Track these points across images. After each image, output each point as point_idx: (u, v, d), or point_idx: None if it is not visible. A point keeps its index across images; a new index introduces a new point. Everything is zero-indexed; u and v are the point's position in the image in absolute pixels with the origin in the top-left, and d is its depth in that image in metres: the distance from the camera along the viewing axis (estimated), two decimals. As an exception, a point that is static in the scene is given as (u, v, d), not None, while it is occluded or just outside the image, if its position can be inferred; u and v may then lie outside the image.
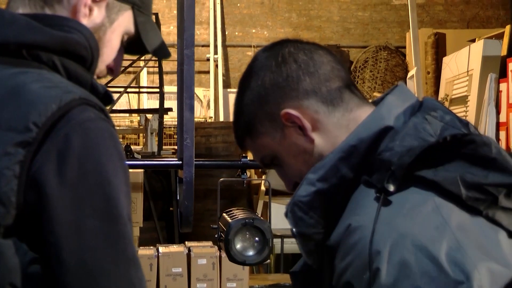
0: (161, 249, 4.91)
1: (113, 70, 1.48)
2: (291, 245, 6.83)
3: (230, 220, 2.44)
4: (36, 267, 1.21)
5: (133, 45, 1.50)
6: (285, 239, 6.92)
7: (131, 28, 1.46)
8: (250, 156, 3.10)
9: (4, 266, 1.20)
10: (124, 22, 1.45)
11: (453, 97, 8.75)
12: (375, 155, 1.37)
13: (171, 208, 6.71)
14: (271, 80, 1.47)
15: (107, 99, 1.39)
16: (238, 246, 2.37)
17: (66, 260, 1.19)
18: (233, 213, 2.52)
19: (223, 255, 4.82)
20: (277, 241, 7.14)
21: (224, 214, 2.54)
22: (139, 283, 1.25)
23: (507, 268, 1.29)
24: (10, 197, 1.20)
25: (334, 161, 1.40)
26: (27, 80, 1.28)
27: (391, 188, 1.33)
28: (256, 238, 2.43)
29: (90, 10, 1.40)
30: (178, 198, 3.30)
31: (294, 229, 1.43)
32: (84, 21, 1.39)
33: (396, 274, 1.27)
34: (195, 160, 3.27)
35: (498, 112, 7.61)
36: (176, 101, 4.23)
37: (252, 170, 8.37)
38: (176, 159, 3.41)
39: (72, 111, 1.24)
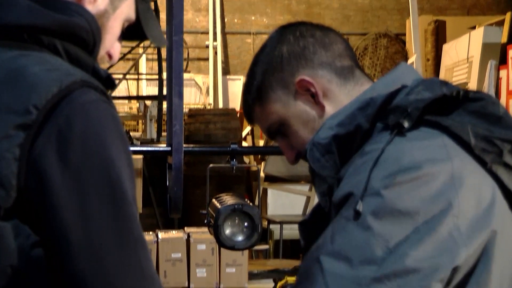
0: (161, 234, 4.94)
1: (112, 56, 1.47)
2: (290, 231, 6.86)
3: (219, 206, 2.47)
4: (39, 250, 1.20)
5: (132, 31, 1.50)
6: (284, 225, 6.96)
7: (132, 15, 1.47)
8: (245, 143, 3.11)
9: (5, 249, 1.19)
10: (126, 9, 1.45)
11: (453, 84, 8.75)
12: (391, 106, 1.44)
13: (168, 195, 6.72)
14: (288, 50, 1.55)
15: (110, 83, 1.37)
16: (228, 231, 2.40)
17: (72, 243, 1.18)
18: (222, 198, 2.55)
19: (222, 240, 4.85)
20: (276, 227, 7.17)
21: (214, 200, 2.57)
22: (147, 263, 1.24)
23: (488, 222, 1.35)
24: (11, 180, 1.19)
25: (352, 110, 1.47)
26: (28, 63, 1.27)
27: (406, 124, 1.39)
28: (245, 224, 2.47)
29: None
30: (167, 184, 3.33)
31: (312, 168, 1.48)
32: (89, 7, 1.38)
33: (382, 184, 1.33)
34: (184, 147, 3.30)
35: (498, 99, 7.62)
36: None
37: (251, 157, 8.39)
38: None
39: (73, 94, 1.23)
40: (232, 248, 2.43)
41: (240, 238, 2.41)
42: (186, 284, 4.84)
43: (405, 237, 1.32)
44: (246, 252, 4.85)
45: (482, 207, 1.37)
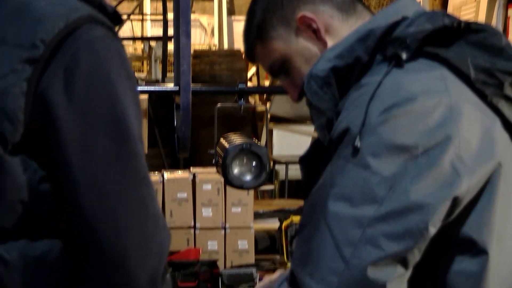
0: (166, 174, 4.95)
1: None
2: (295, 172, 6.87)
3: (227, 146, 2.46)
4: (46, 185, 1.21)
5: None
6: (289, 165, 6.97)
7: None
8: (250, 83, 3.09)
9: (13, 183, 1.19)
10: None
11: (459, 22, 8.67)
12: (390, 37, 1.42)
13: (175, 135, 6.72)
14: None
15: (116, 19, 1.35)
16: (236, 171, 2.41)
17: (77, 178, 1.18)
18: (230, 138, 2.55)
19: (228, 180, 4.87)
20: (281, 168, 7.19)
21: (222, 139, 2.57)
22: (151, 201, 1.23)
23: (492, 153, 1.35)
24: (18, 114, 1.18)
25: (351, 42, 1.45)
26: None
27: (404, 55, 1.38)
28: (254, 163, 2.47)
29: None
30: (175, 124, 3.33)
31: (309, 100, 1.47)
32: None
33: (379, 120, 1.32)
34: (192, 86, 3.29)
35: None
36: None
37: (257, 97, 8.37)
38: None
39: (79, 29, 1.22)
40: (241, 187, 2.43)
41: (248, 177, 2.42)
42: (192, 224, 4.87)
43: (405, 173, 1.31)
44: (251, 192, 4.87)
45: (486, 138, 1.35)
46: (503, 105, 1.39)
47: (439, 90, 1.36)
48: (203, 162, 5.55)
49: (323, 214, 1.34)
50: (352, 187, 1.33)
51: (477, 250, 1.35)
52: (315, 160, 1.54)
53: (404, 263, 1.33)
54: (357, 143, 1.32)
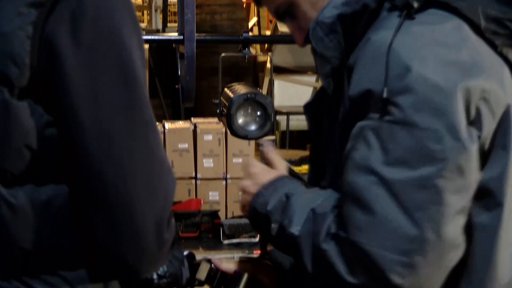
0: (167, 125, 4.95)
1: None
2: (297, 122, 6.87)
3: (231, 95, 2.45)
4: (52, 130, 1.21)
5: None
6: (290, 116, 6.96)
7: None
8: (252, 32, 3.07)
9: (20, 128, 1.20)
10: None
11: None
12: None
13: (176, 86, 6.71)
14: None
15: None
16: (240, 120, 2.39)
17: (83, 122, 1.18)
18: (234, 88, 2.53)
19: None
20: (282, 118, 7.17)
21: (226, 89, 2.55)
22: (157, 145, 1.24)
23: (506, 98, 1.37)
24: (24, 58, 1.18)
25: None
26: None
27: (415, 4, 1.36)
28: (258, 113, 2.45)
29: None
30: (179, 73, 3.31)
31: (314, 48, 1.45)
32: None
33: (411, 79, 1.31)
34: (196, 35, 3.26)
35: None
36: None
37: (258, 47, 8.32)
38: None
39: None
40: (245, 137, 2.42)
41: (253, 127, 2.40)
42: (193, 174, 4.88)
43: (451, 117, 1.31)
44: (252, 142, 4.86)
45: (499, 84, 1.36)
46: None
47: (455, 42, 1.34)
48: (204, 112, 5.53)
49: (380, 183, 1.32)
50: (405, 150, 1.31)
51: (495, 203, 1.35)
52: (319, 108, 1.53)
53: (465, 214, 1.34)
54: (389, 104, 1.32)
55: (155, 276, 1.60)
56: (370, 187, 1.33)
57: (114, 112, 1.20)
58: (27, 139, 1.21)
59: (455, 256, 1.35)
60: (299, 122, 6.80)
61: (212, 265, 1.69)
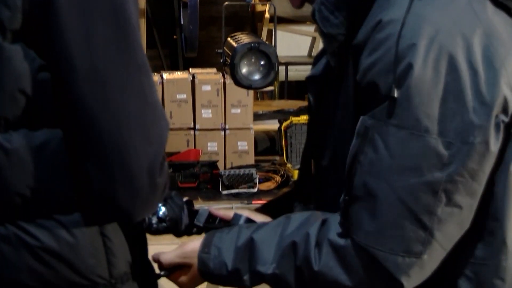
0: (165, 75, 4.92)
1: None
2: (295, 73, 6.84)
3: (235, 45, 2.43)
4: (45, 74, 1.21)
5: None
6: (289, 66, 6.92)
7: None
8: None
9: (13, 72, 1.19)
10: None
11: None
12: None
13: (174, 36, 6.66)
14: None
15: None
16: (244, 70, 2.38)
17: (76, 65, 1.18)
18: (238, 37, 2.50)
19: (228, 81, 4.84)
20: (281, 69, 7.11)
21: (229, 39, 2.53)
22: (150, 89, 1.24)
23: None
24: (15, 1, 1.17)
25: None
26: None
27: None
28: (262, 62, 2.43)
29: None
30: (182, 23, 3.27)
31: (321, 29, 1.43)
32: None
33: (430, 71, 1.28)
34: (198, -18, 3.23)
35: None
36: None
37: (256, -3, 8.26)
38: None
39: None
40: (249, 87, 2.40)
41: (256, 77, 2.39)
42: (192, 125, 4.87)
43: (460, 112, 1.29)
44: (251, 93, 4.85)
45: None
46: None
47: (471, 21, 1.31)
48: (202, 63, 5.50)
49: (390, 189, 1.31)
50: (413, 156, 1.30)
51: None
52: (322, 81, 1.51)
53: (473, 209, 1.35)
54: (396, 105, 1.29)
55: (154, 220, 1.61)
56: (378, 192, 1.33)
57: (107, 55, 1.19)
58: (20, 83, 1.20)
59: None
60: (298, 73, 6.77)
61: (211, 211, 1.69)
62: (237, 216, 1.66)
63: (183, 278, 1.60)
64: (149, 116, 1.22)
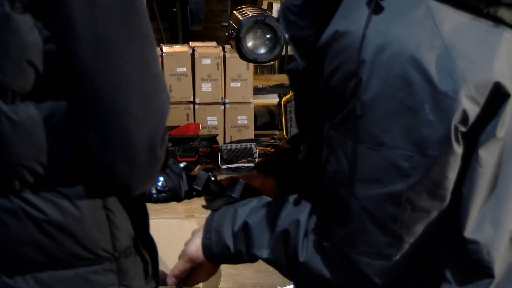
0: (165, 49, 4.91)
1: None
2: (295, 47, 6.82)
3: (241, 18, 2.40)
4: (51, 46, 1.20)
5: None
6: (288, 41, 6.91)
7: None
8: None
9: (21, 42, 1.18)
10: None
11: None
12: None
13: (174, 9, 6.63)
14: None
15: None
16: (250, 44, 2.35)
17: (81, 34, 1.17)
18: (244, 11, 2.48)
19: (228, 55, 4.82)
20: (280, 43, 7.14)
21: (235, 12, 2.50)
22: (153, 60, 1.23)
23: (490, 74, 1.29)
24: None
25: None
26: None
27: None
28: (268, 36, 2.41)
29: None
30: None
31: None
32: None
33: (376, 89, 1.27)
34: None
35: None
36: None
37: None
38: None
39: None
40: (255, 61, 2.38)
41: (262, 50, 2.36)
42: (192, 99, 4.87)
43: (417, 125, 1.27)
44: (251, 67, 4.84)
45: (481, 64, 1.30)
46: (502, 12, 1.30)
47: (429, 33, 1.27)
48: (202, 36, 5.48)
49: (354, 199, 1.32)
50: (374, 168, 1.30)
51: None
52: (302, 74, 1.50)
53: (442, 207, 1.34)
54: (356, 117, 1.29)
55: (154, 191, 1.60)
56: (344, 201, 1.34)
57: (111, 24, 1.19)
58: (28, 55, 1.19)
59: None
60: (298, 47, 6.74)
61: (210, 174, 1.68)
62: (233, 183, 1.65)
63: (199, 275, 1.64)
64: (151, 87, 1.22)
